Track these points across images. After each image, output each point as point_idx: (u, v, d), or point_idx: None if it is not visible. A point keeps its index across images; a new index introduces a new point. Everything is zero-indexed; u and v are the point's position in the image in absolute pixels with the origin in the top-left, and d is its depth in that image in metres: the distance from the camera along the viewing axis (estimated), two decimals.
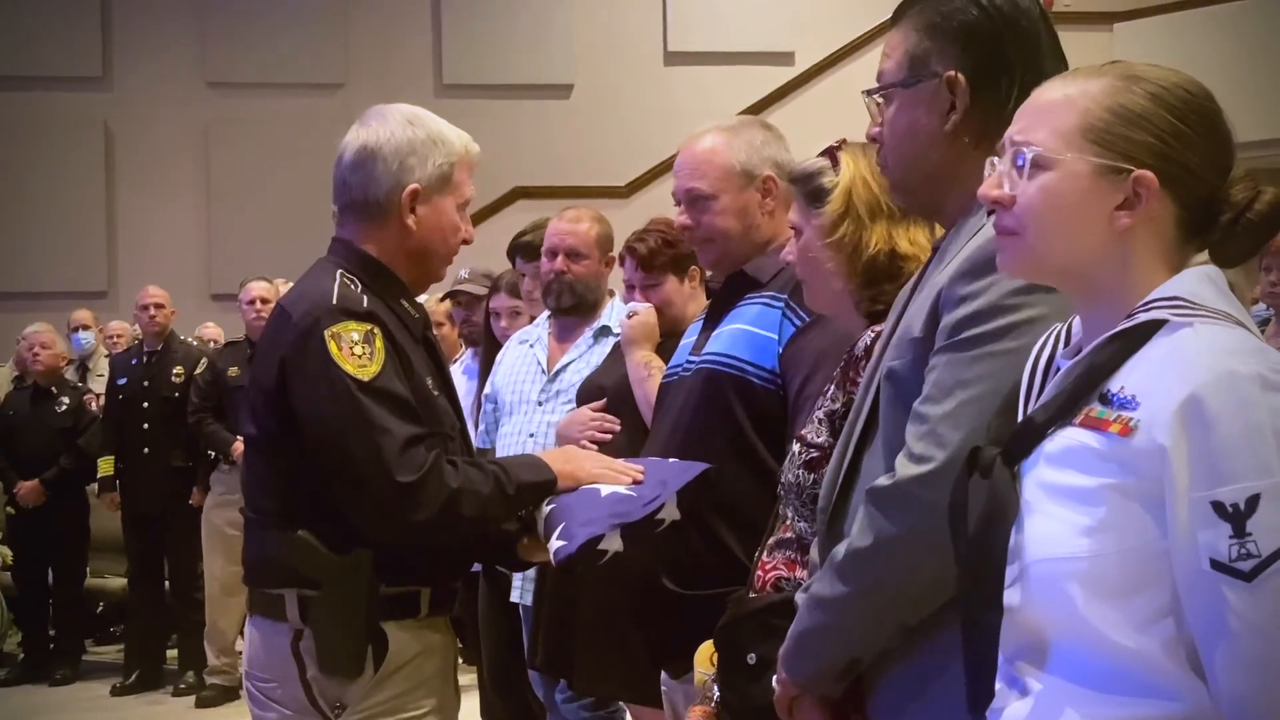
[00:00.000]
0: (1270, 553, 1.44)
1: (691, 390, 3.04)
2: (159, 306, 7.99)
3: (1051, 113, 1.66)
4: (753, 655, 2.33)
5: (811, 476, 2.41)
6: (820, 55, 12.56)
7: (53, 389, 8.27)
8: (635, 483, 2.74)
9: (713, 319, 3.14)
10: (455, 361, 5.63)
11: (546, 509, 2.69)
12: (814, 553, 2.18)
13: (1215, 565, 1.46)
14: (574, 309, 4.34)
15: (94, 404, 8.49)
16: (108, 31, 12.11)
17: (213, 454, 7.59)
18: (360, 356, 2.58)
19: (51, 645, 8.30)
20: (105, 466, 7.84)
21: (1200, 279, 1.62)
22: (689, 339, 3.21)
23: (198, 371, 7.72)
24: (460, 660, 2.94)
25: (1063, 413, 1.61)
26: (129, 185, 12.03)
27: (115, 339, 9.80)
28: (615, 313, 4.29)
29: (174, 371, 7.85)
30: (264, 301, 7.44)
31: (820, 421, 2.46)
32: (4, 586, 8.51)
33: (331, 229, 2.83)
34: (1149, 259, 1.63)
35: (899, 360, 2.01)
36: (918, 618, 1.93)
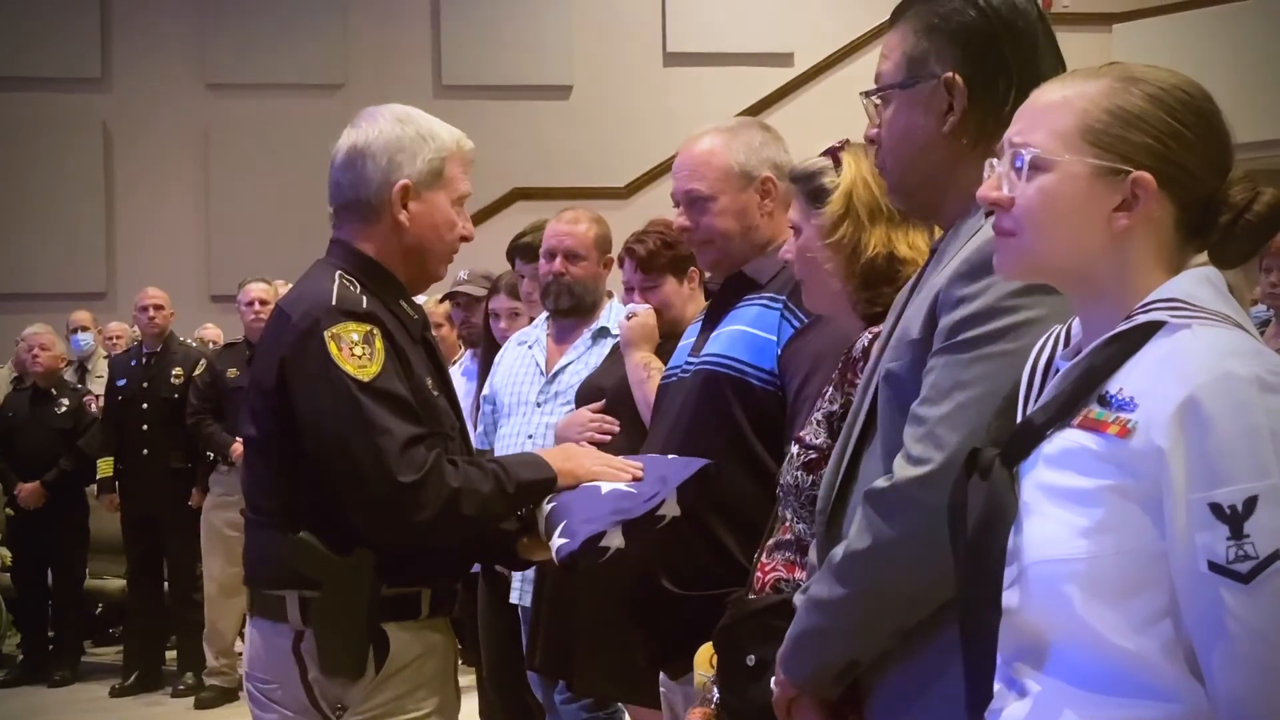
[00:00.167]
0: (1268, 554, 1.44)
1: (690, 391, 3.04)
2: (158, 308, 7.99)
3: (1050, 114, 1.66)
4: (752, 657, 2.33)
5: (810, 478, 2.41)
6: (819, 56, 12.57)
7: (52, 390, 8.26)
8: (635, 479, 2.74)
9: (711, 320, 3.14)
10: (454, 363, 5.63)
11: (547, 507, 2.69)
12: (812, 554, 2.18)
13: (1213, 567, 1.46)
14: (572, 310, 4.34)
15: (93, 405, 8.49)
16: (107, 32, 12.12)
17: (211, 455, 7.59)
18: (360, 357, 2.58)
19: (50, 646, 8.29)
20: (104, 468, 7.84)
21: (1199, 280, 1.62)
22: (688, 340, 3.21)
23: (196, 373, 7.72)
24: (459, 661, 2.93)
25: (1061, 414, 1.61)
26: (128, 186, 12.04)
27: (114, 340, 9.81)
28: (614, 314, 4.29)
29: (173, 373, 7.85)
30: (263, 303, 7.44)
31: (819, 423, 2.46)
32: (3, 588, 8.50)
33: (331, 230, 2.83)
34: (1147, 260, 1.64)
35: (897, 362, 2.01)
36: (915, 619, 1.93)
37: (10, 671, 8.26)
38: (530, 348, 4.50)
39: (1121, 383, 1.57)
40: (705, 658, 2.59)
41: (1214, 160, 1.64)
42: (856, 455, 2.09)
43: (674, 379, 3.16)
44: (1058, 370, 1.69)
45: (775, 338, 2.96)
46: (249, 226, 11.70)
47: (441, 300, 5.99)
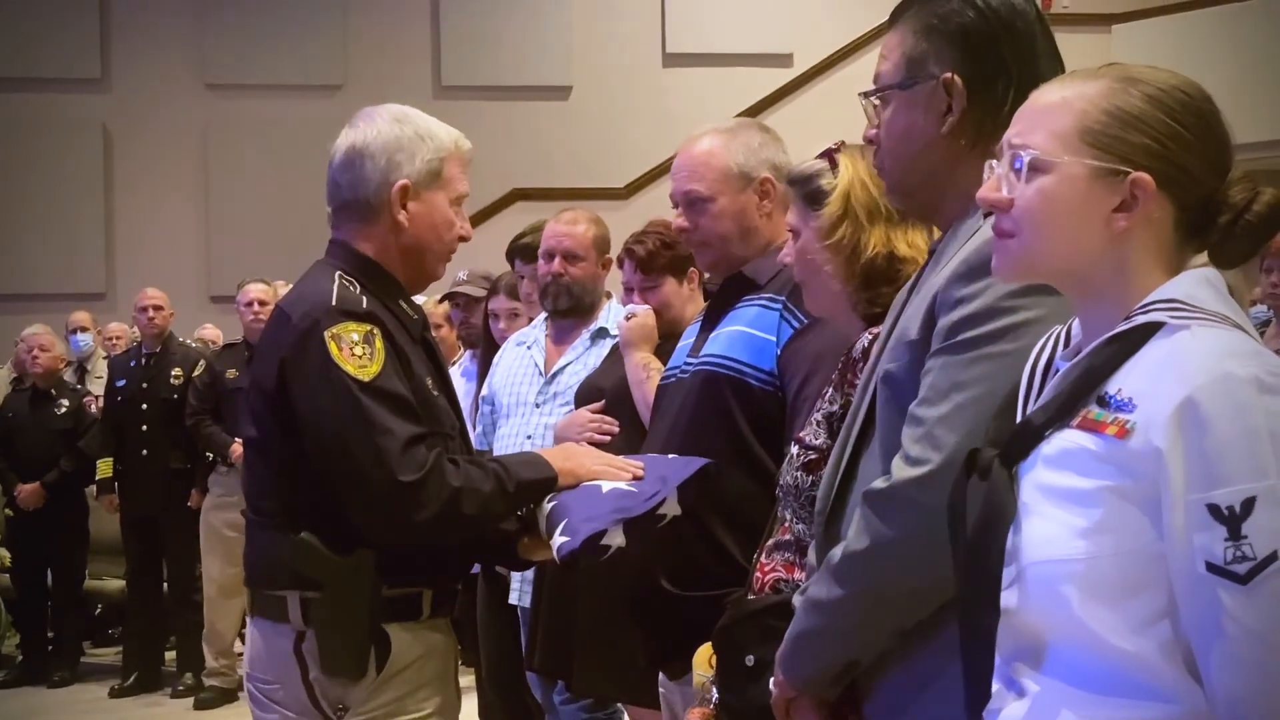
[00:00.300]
0: (1265, 555, 1.44)
1: (690, 392, 3.04)
2: (157, 308, 7.99)
3: (1049, 115, 1.66)
4: (751, 657, 2.33)
5: (810, 478, 2.41)
6: (818, 57, 12.57)
7: (51, 391, 8.25)
8: (636, 478, 2.74)
9: (711, 321, 3.14)
10: (453, 363, 5.62)
11: (548, 506, 2.69)
12: (811, 555, 2.18)
13: (1211, 568, 1.46)
14: (571, 311, 4.34)
15: (93, 406, 8.48)
16: (106, 33, 12.12)
17: (211, 456, 7.59)
18: (360, 357, 2.58)
19: (50, 647, 8.28)
20: (104, 468, 7.84)
21: (1198, 281, 1.62)
22: (687, 341, 3.21)
23: (195, 374, 7.71)
24: (459, 662, 2.94)
25: (1060, 415, 1.61)
26: (127, 187, 12.05)
27: (114, 341, 9.80)
28: (612, 315, 4.29)
29: (173, 373, 7.85)
30: (262, 304, 7.44)
31: (818, 423, 2.46)
32: (3, 588, 8.50)
33: (330, 230, 2.83)
34: (1147, 261, 1.64)
35: (895, 363, 2.01)
36: (914, 620, 1.93)
37: (10, 672, 8.25)
38: (529, 348, 4.50)
39: (1120, 383, 1.57)
40: (704, 658, 2.59)
41: (1213, 161, 1.64)
42: (855, 456, 2.09)
43: (673, 379, 3.16)
44: (1057, 370, 1.69)
45: (774, 338, 2.96)
46: (248, 227, 11.70)
47: (441, 301, 5.98)
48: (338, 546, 2.59)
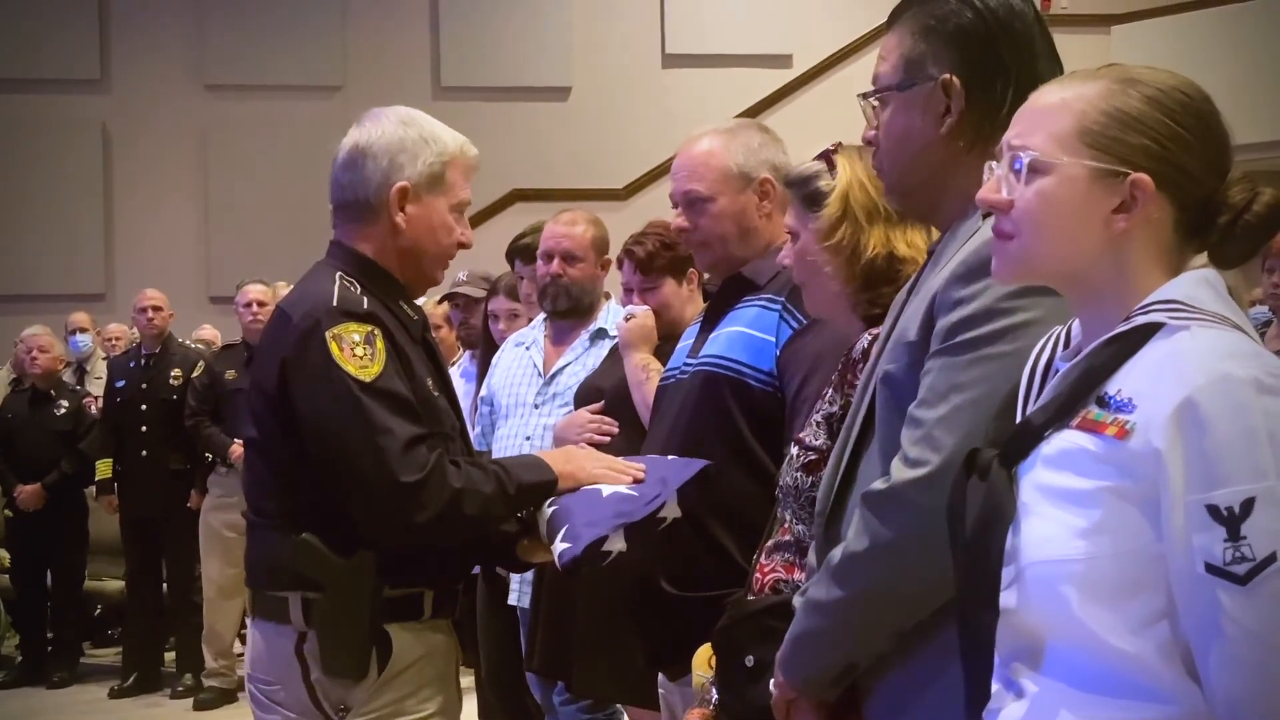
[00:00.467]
0: (1265, 556, 1.45)
1: (689, 393, 3.04)
2: (157, 309, 7.99)
3: (1048, 117, 1.66)
4: (751, 658, 2.33)
5: (810, 479, 2.41)
6: (817, 58, 12.57)
7: (51, 392, 8.25)
8: (636, 481, 2.74)
9: (710, 321, 3.14)
10: (453, 364, 5.62)
11: (548, 511, 2.69)
12: (811, 556, 2.19)
13: (1210, 569, 1.46)
14: (570, 312, 4.34)
15: (92, 407, 8.48)
16: (105, 34, 12.12)
17: (210, 457, 7.58)
18: (362, 357, 2.58)
19: (49, 648, 8.28)
20: (103, 469, 7.84)
21: (1198, 282, 1.62)
22: (686, 341, 3.21)
23: (195, 374, 7.71)
24: (460, 663, 2.94)
25: (1060, 415, 1.61)
26: (127, 188, 12.04)
27: (113, 342, 9.80)
28: (611, 315, 4.29)
29: (172, 374, 7.84)
30: (260, 304, 7.44)
31: (818, 424, 2.46)
32: (2, 589, 8.50)
33: (330, 231, 2.83)
34: (1146, 262, 1.64)
35: (895, 364, 2.01)
36: (913, 621, 1.93)
37: (9, 673, 8.25)
38: (528, 349, 4.50)
39: (1120, 384, 1.57)
40: (704, 659, 2.59)
41: (1213, 161, 1.64)
42: (855, 457, 2.09)
43: (673, 380, 3.16)
44: (1057, 371, 1.69)
45: (774, 339, 2.97)
46: (248, 228, 11.70)
47: (440, 301, 5.98)
48: (339, 547, 2.59)
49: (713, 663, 2.49)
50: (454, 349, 5.95)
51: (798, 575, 2.39)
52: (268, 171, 11.79)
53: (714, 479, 2.82)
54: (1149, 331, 1.58)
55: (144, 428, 7.75)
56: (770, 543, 2.50)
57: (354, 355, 2.58)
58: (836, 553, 1.99)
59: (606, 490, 2.70)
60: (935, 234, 2.19)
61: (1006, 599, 1.62)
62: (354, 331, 2.60)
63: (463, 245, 2.83)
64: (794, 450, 2.49)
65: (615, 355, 3.92)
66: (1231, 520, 1.45)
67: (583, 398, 4.00)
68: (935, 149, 2.06)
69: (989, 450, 1.67)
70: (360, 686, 2.62)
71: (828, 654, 2.03)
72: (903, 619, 1.94)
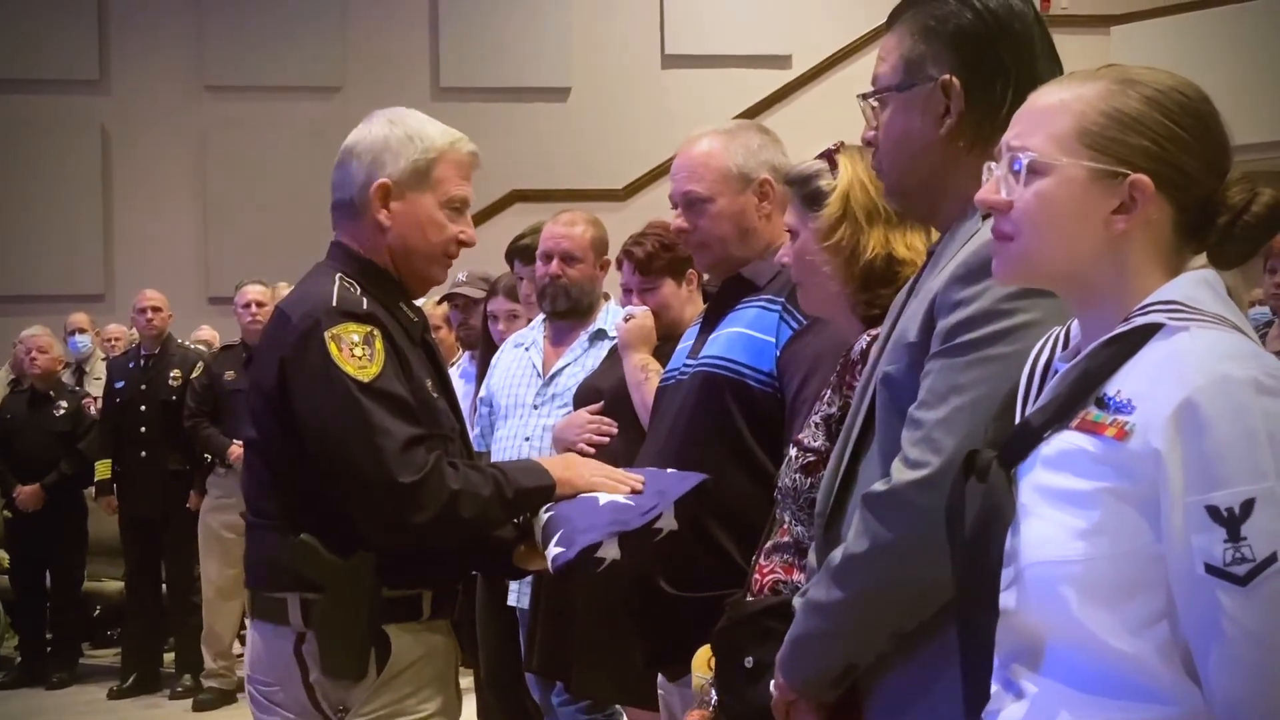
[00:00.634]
0: (1265, 557, 1.45)
1: (689, 393, 3.04)
2: (156, 310, 7.98)
3: (1047, 118, 1.66)
4: (750, 659, 2.33)
5: (809, 480, 2.41)
6: (817, 59, 12.57)
7: (50, 393, 8.25)
8: (634, 492, 2.74)
9: (710, 322, 3.14)
10: (452, 365, 5.62)
11: (545, 516, 2.69)
12: (811, 557, 2.18)
13: (1210, 569, 1.46)
14: (569, 312, 4.33)
15: (91, 408, 8.48)
16: (105, 35, 12.12)
17: (209, 458, 7.58)
18: (360, 358, 2.58)
19: (48, 648, 8.28)
20: (103, 470, 7.83)
21: (1197, 283, 1.62)
22: (686, 342, 3.21)
23: (194, 375, 7.71)
24: (459, 664, 2.94)
25: (1059, 416, 1.61)
26: (126, 188, 12.04)
27: (112, 342, 9.80)
28: (610, 316, 4.29)
29: (171, 375, 7.84)
30: (259, 305, 7.44)
31: (817, 426, 2.46)
32: (1, 590, 8.50)
33: (330, 232, 2.84)
34: (1146, 263, 1.63)
35: (894, 365, 2.01)
36: (914, 623, 1.93)
37: (8, 673, 8.25)
38: (527, 350, 4.50)
39: (1119, 385, 1.57)
40: (703, 660, 2.59)
41: (1212, 162, 1.64)
42: (855, 458, 2.09)
43: (672, 381, 3.16)
44: (1056, 372, 1.69)
45: (774, 339, 2.96)
46: (247, 229, 11.70)
47: (439, 302, 5.98)
48: (337, 548, 2.59)
49: (712, 664, 2.49)
50: (453, 350, 5.95)
51: (797, 576, 2.38)
52: (267, 172, 11.79)
53: (711, 492, 2.82)
54: (1148, 332, 1.58)
55: (143, 428, 7.75)
56: (769, 544, 2.50)
57: (353, 356, 2.58)
58: (837, 554, 1.99)
59: (604, 499, 2.70)
60: (935, 235, 2.19)
61: (1006, 600, 1.62)
62: (353, 332, 2.60)
63: (463, 243, 2.81)
64: (793, 451, 2.49)
65: (614, 356, 3.92)
66: (1231, 521, 1.45)
67: (582, 398, 4.00)
68: (935, 150, 2.06)
69: (988, 451, 1.67)
70: (359, 687, 2.62)
71: (828, 655, 2.03)
72: (903, 620, 1.94)
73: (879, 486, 1.93)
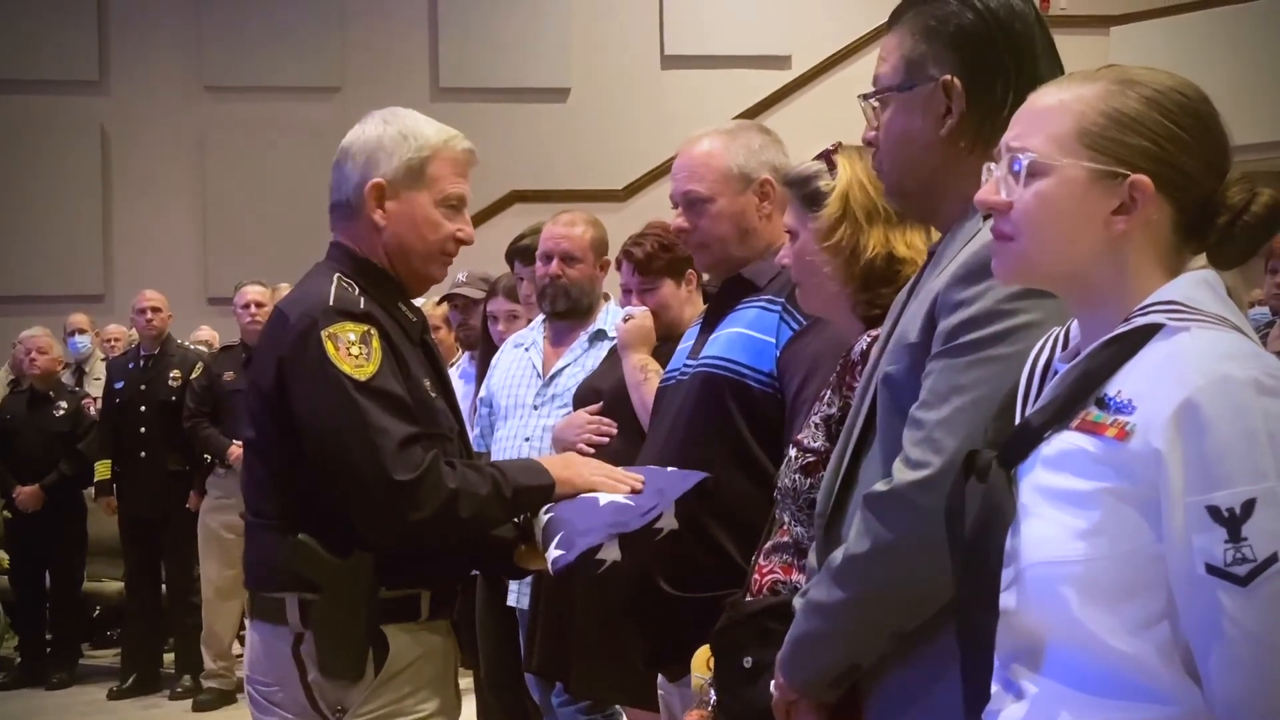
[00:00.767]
0: (1266, 557, 1.44)
1: (689, 394, 3.04)
2: (156, 310, 7.98)
3: (1047, 118, 1.66)
4: (749, 659, 2.33)
5: (808, 481, 2.41)
6: (817, 59, 12.57)
7: (49, 393, 8.25)
8: (634, 491, 2.73)
9: (710, 322, 3.14)
10: (452, 365, 5.62)
11: (544, 517, 2.69)
12: (812, 558, 2.18)
13: (1211, 570, 1.46)
14: (568, 313, 4.33)
15: (91, 408, 8.48)
16: (104, 35, 12.12)
17: (209, 458, 7.58)
18: (357, 357, 2.58)
19: (48, 649, 8.28)
20: (102, 470, 7.83)
21: (1197, 283, 1.62)
22: (687, 343, 3.21)
23: (193, 376, 7.71)
24: (458, 664, 2.93)
25: (1059, 416, 1.61)
26: (125, 189, 12.05)
27: (112, 343, 9.80)
28: (610, 317, 4.29)
29: (171, 375, 7.84)
30: (259, 305, 7.45)
31: (816, 426, 2.46)
32: (1, 590, 8.50)
33: (328, 233, 2.84)
34: (1145, 263, 1.63)
35: (895, 365, 2.01)
36: (914, 623, 1.93)
37: (8, 674, 8.25)
38: (527, 350, 4.50)
39: (1120, 385, 1.57)
40: (702, 660, 2.59)
41: (1211, 162, 1.64)
42: (855, 458, 2.08)
43: (672, 381, 3.16)
44: (1056, 372, 1.69)
45: (774, 340, 2.96)
46: (246, 229, 11.70)
47: (439, 302, 5.98)
48: (336, 548, 2.59)
49: (711, 664, 2.49)
50: (453, 350, 5.95)
51: (796, 577, 2.38)
52: (266, 173, 11.80)
53: (713, 490, 2.82)
54: (1148, 333, 1.58)
55: (143, 429, 7.75)
56: (769, 544, 2.50)
57: (349, 355, 2.58)
58: (837, 554, 1.99)
59: (604, 499, 2.70)
60: (935, 235, 2.19)
61: (1006, 600, 1.62)
62: (350, 331, 2.60)
63: (461, 241, 2.81)
64: (792, 452, 2.49)
65: (614, 356, 3.92)
66: (1232, 521, 1.45)
67: (581, 399, 4.00)
68: (935, 150, 2.06)
69: (988, 451, 1.67)
70: (357, 687, 2.62)
71: (829, 655, 2.03)
72: (904, 620, 1.94)
73: (880, 487, 1.93)
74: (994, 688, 1.66)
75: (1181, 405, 1.48)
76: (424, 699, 2.69)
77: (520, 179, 11.65)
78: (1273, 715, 1.45)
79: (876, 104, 2.14)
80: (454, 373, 5.35)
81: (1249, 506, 1.45)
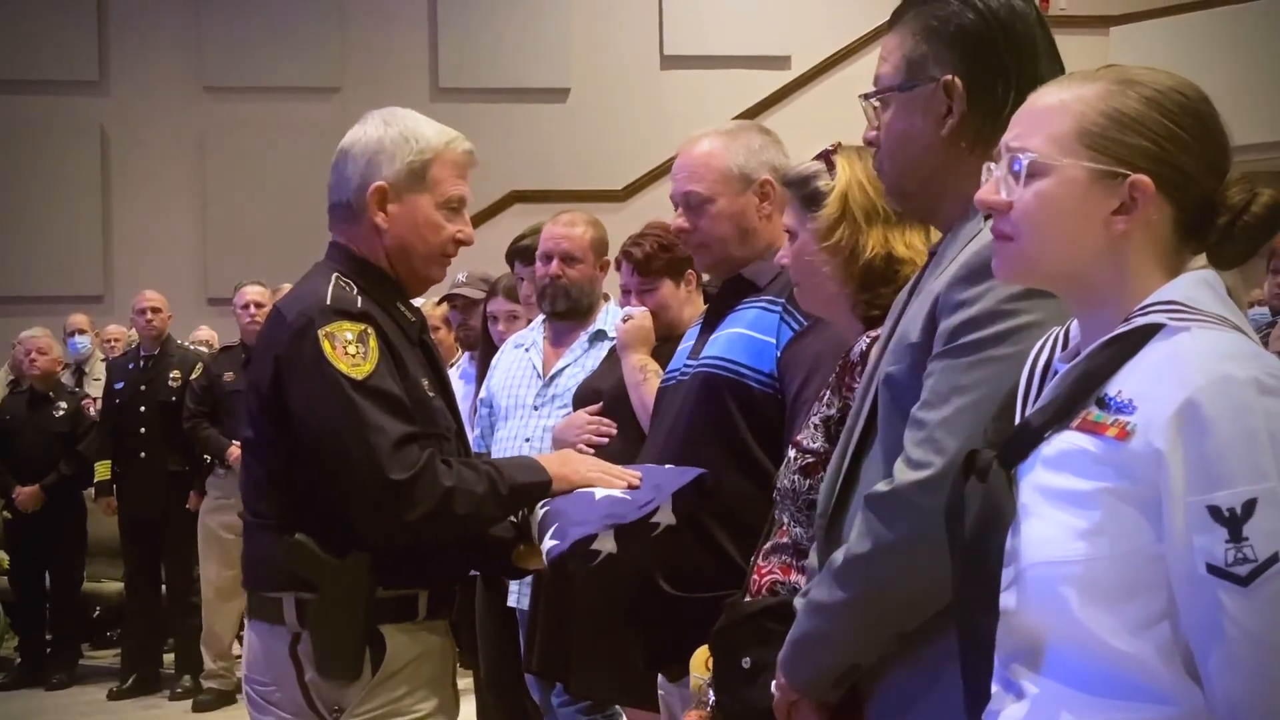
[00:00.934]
0: (1267, 557, 1.44)
1: (689, 394, 3.04)
2: (155, 310, 7.98)
3: (1047, 118, 1.66)
4: (748, 659, 2.33)
5: (807, 482, 2.41)
6: (816, 59, 12.57)
7: (49, 394, 8.25)
8: (631, 487, 2.74)
9: (710, 323, 3.14)
10: (452, 365, 5.62)
11: (541, 512, 2.69)
12: (812, 558, 2.18)
13: (1211, 570, 1.46)
14: (568, 313, 4.33)
15: (91, 409, 8.48)
16: (104, 36, 12.12)
17: (208, 458, 7.58)
18: (354, 356, 2.58)
19: (48, 649, 8.28)
20: (102, 471, 7.83)
21: (1197, 283, 1.62)
22: (687, 343, 3.21)
23: (193, 376, 7.71)
24: (457, 664, 2.93)
25: (1059, 416, 1.61)
26: (125, 189, 12.05)
27: (112, 343, 9.80)
28: (610, 317, 4.29)
29: (170, 376, 7.84)
30: (258, 306, 7.45)
31: (815, 427, 2.46)
32: (1, 591, 8.50)
33: (328, 233, 2.84)
34: (1145, 263, 1.63)
35: (897, 365, 2.01)
36: (915, 623, 1.93)
37: (8, 674, 8.25)
38: (527, 350, 4.49)
39: (1120, 385, 1.57)
40: (701, 660, 2.59)
41: (1211, 162, 1.64)
42: (857, 459, 2.08)
43: (673, 382, 3.16)
44: (1056, 372, 1.69)
45: (774, 340, 2.96)
46: (246, 229, 11.70)
47: (439, 303, 5.98)
48: (333, 548, 2.59)
49: (710, 664, 2.49)
50: (453, 350, 5.95)
51: (795, 577, 2.39)
52: (266, 173, 11.80)
53: (711, 486, 2.82)
54: (1149, 333, 1.58)
55: (143, 429, 7.75)
56: (768, 545, 2.50)
57: (346, 354, 2.58)
58: (839, 555, 1.99)
59: (600, 493, 2.70)
60: (935, 235, 2.19)
61: (1006, 600, 1.62)
62: (347, 330, 2.60)
63: (461, 242, 2.81)
64: (791, 453, 2.49)
65: (614, 357, 3.92)
66: (1233, 521, 1.45)
67: (581, 399, 4.00)
68: (936, 150, 2.06)
69: (988, 451, 1.67)
70: (354, 687, 2.62)
71: (830, 656, 2.03)
72: (905, 621, 1.94)
73: (881, 487, 1.93)
74: (994, 688, 1.66)
75: (1182, 405, 1.48)
76: (421, 699, 2.69)
77: (520, 179, 11.65)
78: (1273, 715, 1.45)
79: (877, 104, 2.14)
80: (454, 373, 5.35)
81: (1250, 506, 1.45)
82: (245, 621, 2.81)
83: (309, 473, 2.60)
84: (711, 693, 2.49)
